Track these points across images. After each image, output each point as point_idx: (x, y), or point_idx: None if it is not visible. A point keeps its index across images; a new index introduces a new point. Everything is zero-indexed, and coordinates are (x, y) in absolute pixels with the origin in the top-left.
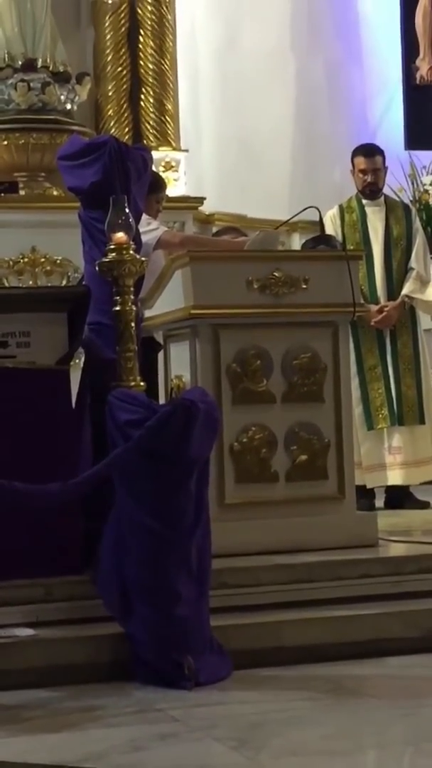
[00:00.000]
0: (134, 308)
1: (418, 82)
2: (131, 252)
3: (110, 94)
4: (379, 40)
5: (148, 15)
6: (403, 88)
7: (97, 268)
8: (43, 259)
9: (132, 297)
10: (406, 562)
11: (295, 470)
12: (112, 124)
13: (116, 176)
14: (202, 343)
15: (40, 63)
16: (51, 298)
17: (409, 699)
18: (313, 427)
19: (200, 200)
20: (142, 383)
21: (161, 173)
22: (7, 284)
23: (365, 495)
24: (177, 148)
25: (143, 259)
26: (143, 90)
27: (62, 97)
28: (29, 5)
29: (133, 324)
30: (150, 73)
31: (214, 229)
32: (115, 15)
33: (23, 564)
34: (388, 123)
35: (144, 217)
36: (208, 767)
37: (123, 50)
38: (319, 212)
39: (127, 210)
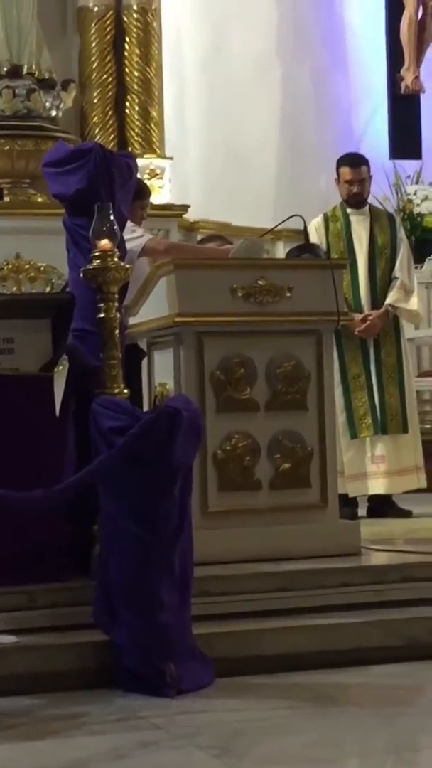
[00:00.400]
0: (118, 315)
1: (402, 91)
2: (116, 259)
3: (95, 101)
4: (364, 49)
5: (134, 22)
6: (388, 98)
7: (81, 275)
8: (27, 266)
9: (116, 304)
10: (388, 570)
11: (278, 478)
12: (97, 131)
13: (101, 183)
14: (186, 350)
15: (25, 69)
16: (35, 304)
17: (390, 708)
18: (296, 435)
19: (185, 208)
20: (125, 390)
21: (146, 181)
22: None
23: (348, 504)
24: (162, 156)
25: (128, 266)
26: (128, 97)
27: (47, 104)
28: (15, 11)
29: (117, 331)
30: (135, 80)
31: (200, 237)
32: (100, 22)
33: (6, 570)
34: (373, 132)
35: (129, 224)
36: None
37: (108, 57)
38: (304, 221)
39: (111, 217)
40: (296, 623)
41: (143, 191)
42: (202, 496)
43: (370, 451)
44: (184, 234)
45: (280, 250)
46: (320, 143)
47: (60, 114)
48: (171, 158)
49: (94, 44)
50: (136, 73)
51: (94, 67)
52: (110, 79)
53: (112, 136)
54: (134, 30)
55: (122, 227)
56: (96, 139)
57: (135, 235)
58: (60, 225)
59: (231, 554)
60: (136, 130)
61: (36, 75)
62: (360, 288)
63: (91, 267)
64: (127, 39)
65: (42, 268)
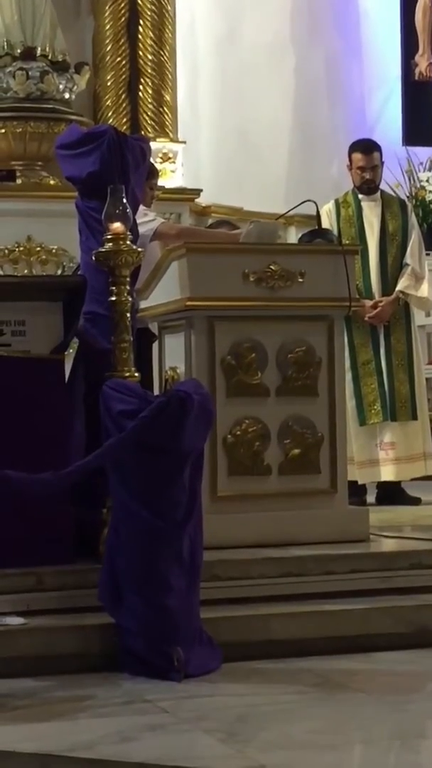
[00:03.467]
0: (130, 299)
1: (416, 78)
2: (128, 242)
3: (109, 84)
4: (378, 35)
5: (148, 6)
6: (402, 84)
7: (93, 258)
8: (38, 249)
9: (128, 287)
10: (396, 557)
11: (287, 464)
12: (110, 114)
13: (114, 166)
14: (197, 335)
15: (39, 52)
16: (47, 287)
17: (397, 694)
18: (306, 421)
19: (197, 192)
20: (136, 374)
21: (158, 164)
22: (2, 273)
23: (357, 490)
24: (175, 140)
25: (140, 249)
26: (142, 81)
27: (61, 87)
28: None
29: (128, 314)
30: (149, 63)
31: (209, 222)
32: (114, 5)
33: (14, 553)
34: (386, 118)
35: (141, 208)
36: (196, 759)
37: (122, 40)
38: (317, 206)
39: (124, 200)
40: (304, 609)
41: (151, 172)
42: (212, 481)
43: (379, 438)
44: (195, 218)
45: (292, 236)
46: (333, 129)
47: (73, 96)
48: (184, 142)
49: (108, 27)
50: (149, 57)
51: (107, 49)
52: (124, 62)
53: (125, 119)
54: (148, 13)
55: (135, 210)
56: (109, 122)
57: (147, 219)
58: (72, 208)
59: (239, 539)
60: (149, 113)
61: (50, 57)
62: (371, 274)
63: (103, 250)
64: (141, 22)
65: (53, 251)
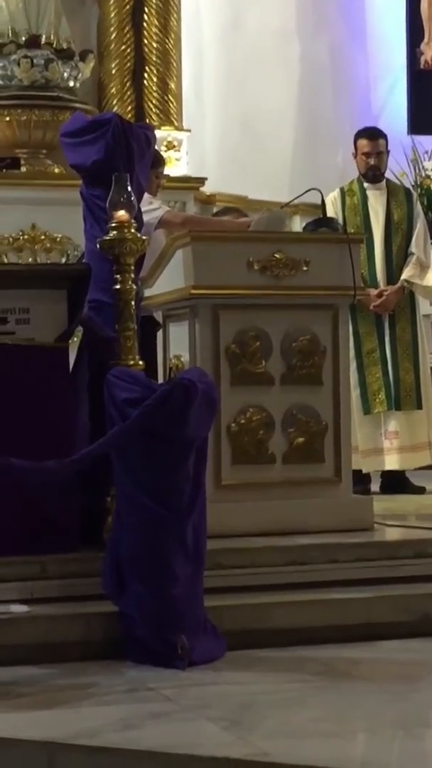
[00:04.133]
0: (134, 287)
1: (422, 66)
2: (132, 230)
3: (113, 72)
4: (383, 24)
5: None
6: (407, 73)
7: (97, 246)
8: (42, 237)
9: (132, 276)
10: (400, 546)
11: (292, 452)
12: (114, 102)
13: (119, 154)
14: (202, 323)
15: (43, 39)
16: (52, 275)
17: (400, 683)
18: (310, 409)
19: (201, 180)
20: (140, 362)
21: (163, 153)
22: (6, 261)
23: (361, 479)
24: (179, 128)
25: (144, 237)
26: (147, 69)
27: (65, 74)
28: None
29: (132, 303)
30: (154, 51)
31: (215, 209)
32: None
33: (18, 541)
34: (392, 107)
35: (146, 196)
36: (200, 746)
37: (127, 28)
38: (322, 195)
39: (129, 188)
40: (308, 597)
41: (157, 160)
42: (216, 469)
43: (383, 427)
44: (200, 206)
45: (297, 224)
46: (338, 118)
47: (78, 84)
48: (188, 131)
49: (112, 14)
50: (154, 45)
51: (112, 37)
52: (128, 50)
53: (129, 108)
54: (153, 1)
55: (139, 198)
56: (113, 110)
57: (152, 207)
58: (76, 196)
59: (244, 527)
60: (154, 101)
61: (54, 45)
62: (376, 263)
63: (107, 238)
64: (146, 10)
65: (58, 239)
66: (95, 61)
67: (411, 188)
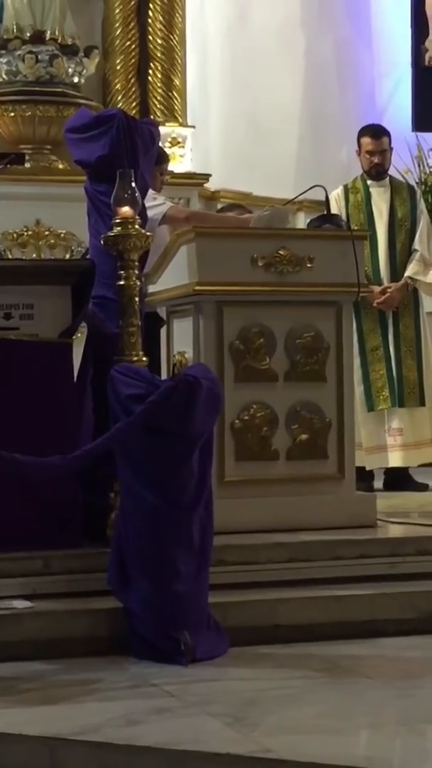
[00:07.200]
0: (138, 283)
1: (427, 63)
2: (137, 226)
3: (118, 68)
4: (388, 20)
5: None
6: (412, 70)
7: (102, 242)
8: (47, 232)
9: (136, 272)
10: (404, 543)
11: (295, 449)
12: (119, 98)
13: (124, 150)
14: (206, 319)
15: (48, 35)
16: (56, 271)
17: (403, 680)
18: (314, 406)
19: (206, 177)
20: (144, 358)
21: (168, 149)
22: (10, 257)
23: (364, 476)
24: (184, 124)
25: (148, 233)
26: (151, 65)
27: (70, 70)
28: None
29: (136, 299)
30: (158, 48)
31: (219, 206)
32: None
33: (22, 536)
34: (396, 104)
35: (150, 192)
36: (203, 742)
37: (132, 24)
38: (326, 191)
39: (133, 184)
40: (311, 594)
41: (162, 157)
42: (219, 466)
43: (387, 424)
44: (204, 203)
45: (301, 221)
46: (342, 114)
47: (82, 80)
48: (193, 127)
49: (117, 11)
50: (159, 41)
51: (117, 33)
52: (133, 46)
53: (134, 104)
54: None
55: (144, 194)
56: (118, 106)
57: (156, 203)
58: (81, 192)
59: (247, 524)
60: (159, 97)
61: (59, 41)
62: (379, 260)
63: (111, 234)
64: (151, 6)
65: (62, 235)
66: (100, 57)
67: (415, 185)
